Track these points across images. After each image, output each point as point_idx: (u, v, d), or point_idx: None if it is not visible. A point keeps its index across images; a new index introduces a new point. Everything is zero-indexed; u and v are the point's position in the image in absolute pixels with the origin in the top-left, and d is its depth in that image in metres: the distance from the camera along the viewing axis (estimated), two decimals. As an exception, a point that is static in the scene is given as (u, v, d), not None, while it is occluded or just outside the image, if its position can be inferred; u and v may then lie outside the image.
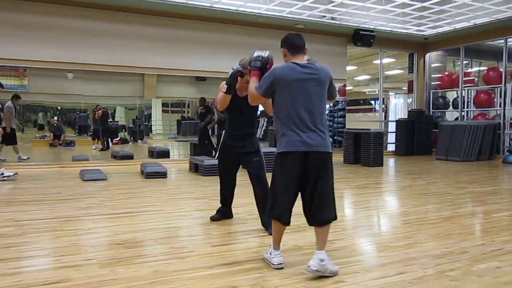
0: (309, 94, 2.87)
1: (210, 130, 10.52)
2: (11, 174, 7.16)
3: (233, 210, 4.52)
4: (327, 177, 2.89)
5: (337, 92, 2.82)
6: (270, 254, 3.05)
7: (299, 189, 2.92)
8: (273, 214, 3.01)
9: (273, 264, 2.99)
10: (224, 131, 4.28)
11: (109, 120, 13.54)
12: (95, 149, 12.82)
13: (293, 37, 3.01)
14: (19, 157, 8.98)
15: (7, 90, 11.28)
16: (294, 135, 2.85)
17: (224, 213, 4.42)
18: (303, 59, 2.96)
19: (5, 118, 8.58)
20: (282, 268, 2.98)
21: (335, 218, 2.94)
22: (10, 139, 8.78)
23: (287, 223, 3.00)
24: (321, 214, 2.89)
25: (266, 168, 4.05)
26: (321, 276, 2.82)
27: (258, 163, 4.05)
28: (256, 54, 3.25)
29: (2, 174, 7.08)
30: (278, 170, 2.96)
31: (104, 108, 13.16)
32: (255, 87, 3.03)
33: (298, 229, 3.94)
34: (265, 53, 3.24)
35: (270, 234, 3.46)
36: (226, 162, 4.24)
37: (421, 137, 12.67)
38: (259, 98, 3.04)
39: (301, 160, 2.85)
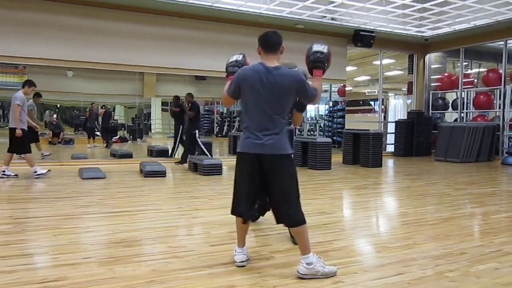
0: (265, 98, 2.87)
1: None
2: (44, 171, 7.18)
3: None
4: (282, 178, 2.88)
5: (314, 95, 2.69)
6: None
7: (261, 188, 2.95)
8: (232, 211, 3.08)
9: (235, 262, 3.03)
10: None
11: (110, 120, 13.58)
12: (90, 147, 12.81)
13: (269, 34, 2.99)
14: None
15: (7, 87, 11.27)
16: (249, 136, 2.92)
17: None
18: (274, 60, 2.94)
19: (30, 116, 8.46)
20: (243, 266, 2.99)
21: (302, 222, 2.88)
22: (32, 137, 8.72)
23: (248, 218, 3.07)
24: (284, 215, 2.91)
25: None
26: (319, 276, 2.83)
27: None
28: (232, 59, 3.36)
29: (35, 171, 7.11)
30: (236, 169, 3.04)
31: (108, 108, 13.20)
32: (225, 88, 3.09)
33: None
34: (240, 57, 3.35)
35: (294, 243, 3.43)
36: None
37: (420, 138, 12.68)
38: (228, 99, 3.09)
39: (254, 161, 2.89)
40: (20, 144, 7.09)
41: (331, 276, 2.83)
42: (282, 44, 3.00)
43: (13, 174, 7.14)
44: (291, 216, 2.89)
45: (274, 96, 2.87)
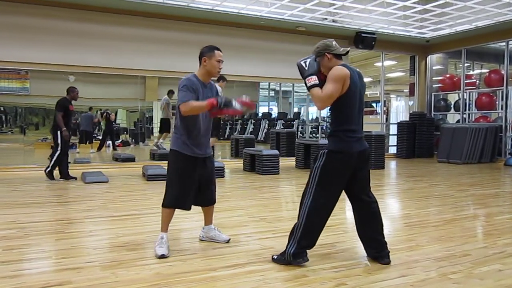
0: None
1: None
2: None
3: (235, 213, 4.47)
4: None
5: (179, 101, 3.38)
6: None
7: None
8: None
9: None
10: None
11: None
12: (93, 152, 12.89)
13: None
14: (158, 144, 10.46)
15: (10, 93, 11.34)
16: None
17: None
18: (198, 71, 3.69)
19: (167, 110, 10.62)
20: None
21: (163, 205, 3.48)
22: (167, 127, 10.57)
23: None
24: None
25: (314, 181, 3.11)
26: (323, 279, 2.83)
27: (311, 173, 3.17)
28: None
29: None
30: None
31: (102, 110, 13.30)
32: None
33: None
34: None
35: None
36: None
37: (422, 139, 12.66)
38: None
39: None
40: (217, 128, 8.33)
41: (160, 257, 3.24)
42: (202, 57, 3.63)
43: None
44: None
45: None
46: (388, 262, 3.12)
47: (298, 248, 3.04)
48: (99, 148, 13.14)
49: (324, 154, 3.09)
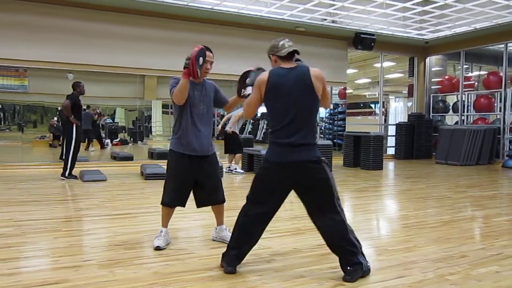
0: None
1: None
2: (241, 171, 8.60)
3: (233, 213, 4.45)
4: None
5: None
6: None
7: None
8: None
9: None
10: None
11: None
12: (93, 150, 12.90)
13: None
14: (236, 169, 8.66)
15: (8, 90, 11.30)
16: None
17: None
18: None
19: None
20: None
21: (161, 203, 3.58)
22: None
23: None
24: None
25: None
26: (320, 279, 2.83)
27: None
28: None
29: (236, 169, 8.50)
30: None
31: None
32: None
33: (298, 232, 3.94)
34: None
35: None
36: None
37: (421, 141, 12.67)
38: None
39: None
40: (237, 144, 8.58)
41: (156, 249, 3.40)
42: None
43: (241, 171, 8.61)
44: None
45: None
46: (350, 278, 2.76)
47: (229, 252, 2.94)
48: (86, 147, 13.14)
49: (262, 161, 3.00)
